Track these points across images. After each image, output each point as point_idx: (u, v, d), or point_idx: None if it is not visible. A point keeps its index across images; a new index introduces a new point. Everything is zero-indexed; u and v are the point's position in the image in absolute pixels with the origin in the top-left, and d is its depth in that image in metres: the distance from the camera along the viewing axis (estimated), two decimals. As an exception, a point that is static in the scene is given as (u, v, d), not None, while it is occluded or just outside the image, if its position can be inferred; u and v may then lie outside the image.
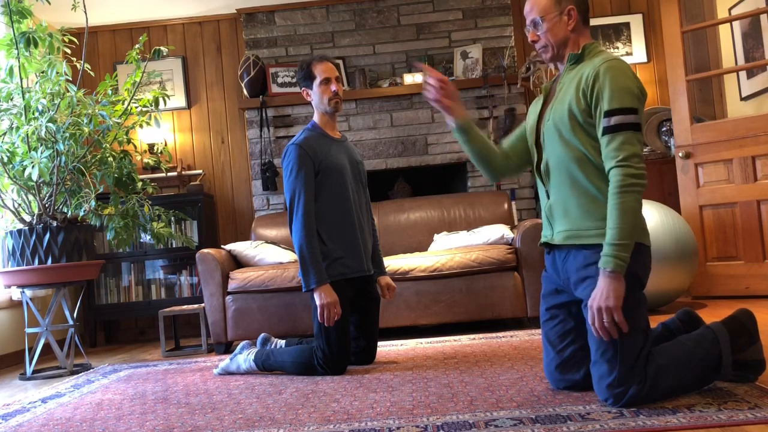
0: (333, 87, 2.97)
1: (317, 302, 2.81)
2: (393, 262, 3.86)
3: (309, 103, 4.93)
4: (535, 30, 2.17)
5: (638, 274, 2.03)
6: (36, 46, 3.61)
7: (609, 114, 1.99)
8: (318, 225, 2.93)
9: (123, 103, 3.83)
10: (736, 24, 4.77)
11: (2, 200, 3.68)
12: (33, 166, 3.41)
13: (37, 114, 3.59)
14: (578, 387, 2.20)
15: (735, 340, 2.08)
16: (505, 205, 4.56)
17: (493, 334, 3.67)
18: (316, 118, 3.06)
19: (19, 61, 3.59)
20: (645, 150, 4.86)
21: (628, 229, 1.93)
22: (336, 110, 3.01)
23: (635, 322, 1.98)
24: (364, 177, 3.15)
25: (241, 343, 3.16)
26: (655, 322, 2.36)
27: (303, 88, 3.04)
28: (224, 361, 3.14)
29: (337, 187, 2.97)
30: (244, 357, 3.06)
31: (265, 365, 3.01)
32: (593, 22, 5.19)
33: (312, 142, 2.95)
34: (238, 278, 3.97)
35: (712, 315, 3.64)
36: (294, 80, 5.00)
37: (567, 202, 2.12)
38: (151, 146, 5.17)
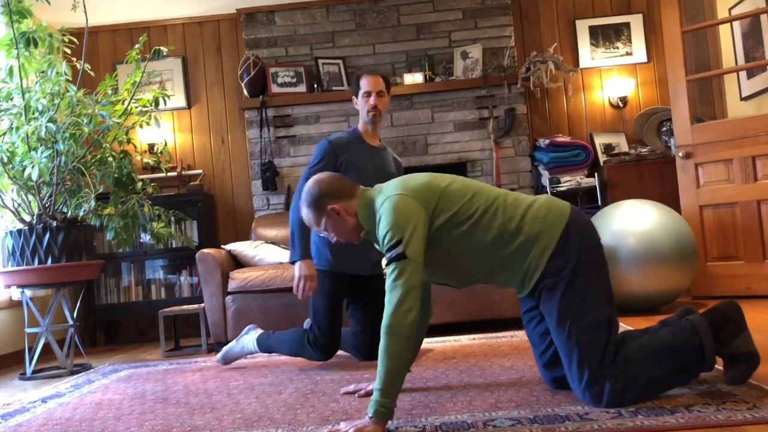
0: (372, 101, 3.13)
1: (295, 274, 2.99)
2: (393, 262, 3.87)
3: (309, 104, 5.00)
4: (330, 237, 2.28)
5: (581, 268, 2.06)
6: (36, 46, 3.61)
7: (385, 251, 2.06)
8: None
9: (123, 103, 3.83)
10: (736, 24, 4.77)
11: (2, 200, 3.68)
12: (33, 166, 3.41)
13: (37, 114, 3.59)
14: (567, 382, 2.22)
15: (719, 330, 2.08)
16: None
17: (493, 334, 3.67)
18: (359, 124, 3.23)
19: (19, 61, 3.60)
20: (645, 150, 4.86)
21: (387, 373, 1.94)
22: (373, 122, 3.17)
23: (591, 319, 2.03)
24: None
25: (248, 326, 3.28)
26: (655, 322, 2.35)
27: (352, 97, 3.23)
28: (229, 344, 3.27)
29: None
30: (251, 338, 3.19)
31: (263, 346, 3.15)
32: (593, 22, 5.20)
33: (344, 141, 3.14)
34: (238, 278, 3.97)
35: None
36: (294, 80, 5.02)
37: (482, 277, 2.24)
38: (151, 146, 5.17)
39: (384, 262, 2.09)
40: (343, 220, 2.22)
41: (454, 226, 2.12)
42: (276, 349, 3.14)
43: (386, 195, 2.14)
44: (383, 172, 3.14)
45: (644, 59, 5.19)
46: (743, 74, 4.78)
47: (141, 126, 3.93)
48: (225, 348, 3.27)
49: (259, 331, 3.21)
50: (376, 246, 2.22)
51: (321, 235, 2.30)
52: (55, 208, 3.69)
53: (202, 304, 4.11)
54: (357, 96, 3.18)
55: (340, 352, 3.27)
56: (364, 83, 3.14)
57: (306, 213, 2.26)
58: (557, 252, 2.09)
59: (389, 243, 2.04)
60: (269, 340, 3.14)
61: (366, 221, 2.22)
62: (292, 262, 3.04)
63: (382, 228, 2.08)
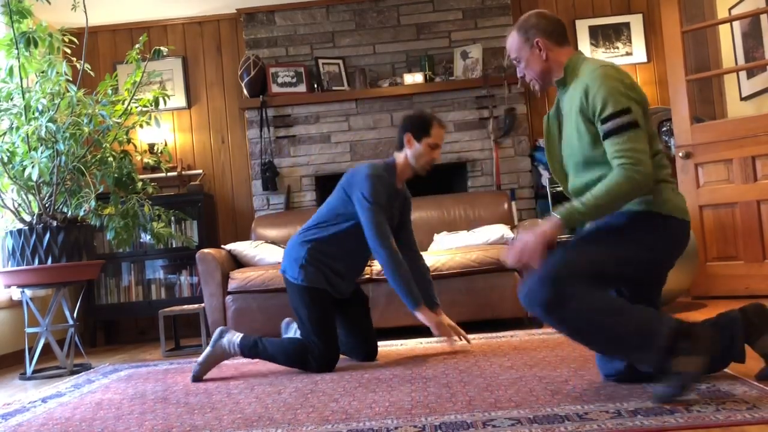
0: (436, 155, 3.05)
1: (424, 321, 2.91)
2: (393, 262, 3.86)
3: (309, 103, 5.00)
4: (518, 67, 2.34)
5: (647, 240, 2.11)
6: (36, 46, 3.61)
7: (605, 120, 2.08)
8: (341, 242, 3.03)
9: (123, 103, 3.84)
10: (736, 24, 4.76)
11: (2, 200, 3.68)
12: (33, 166, 3.42)
13: (37, 114, 3.59)
14: (622, 377, 2.24)
15: (682, 341, 1.98)
16: (505, 205, 4.56)
17: (493, 334, 3.67)
18: (399, 159, 3.08)
19: (19, 61, 3.60)
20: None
21: (603, 201, 2.05)
22: (422, 174, 3.10)
23: (592, 252, 2.09)
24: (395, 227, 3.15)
25: (219, 329, 3.07)
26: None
27: (409, 133, 3.03)
28: (202, 355, 3.03)
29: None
30: (228, 339, 3.00)
31: (251, 352, 3.00)
32: (593, 22, 5.19)
33: (384, 182, 2.99)
34: (238, 278, 3.98)
35: (711, 315, 3.63)
36: (294, 80, 5.01)
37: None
38: (151, 146, 5.17)
39: (610, 125, 2.06)
40: (539, 59, 2.26)
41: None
42: (266, 358, 3.02)
43: (602, 62, 2.17)
44: (391, 217, 3.06)
45: (644, 59, 5.19)
46: (743, 74, 4.78)
47: (141, 126, 3.93)
48: (199, 360, 3.04)
49: (238, 334, 3.04)
50: (564, 102, 2.25)
51: (514, 62, 2.35)
52: (56, 208, 3.69)
53: (202, 304, 4.12)
54: (418, 139, 3.01)
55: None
56: (436, 133, 3.02)
57: (512, 36, 2.33)
58: (651, 219, 2.12)
59: (618, 108, 2.05)
60: (257, 348, 3.00)
61: (560, 81, 2.27)
62: (412, 308, 2.94)
63: (605, 91, 2.07)
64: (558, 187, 4.80)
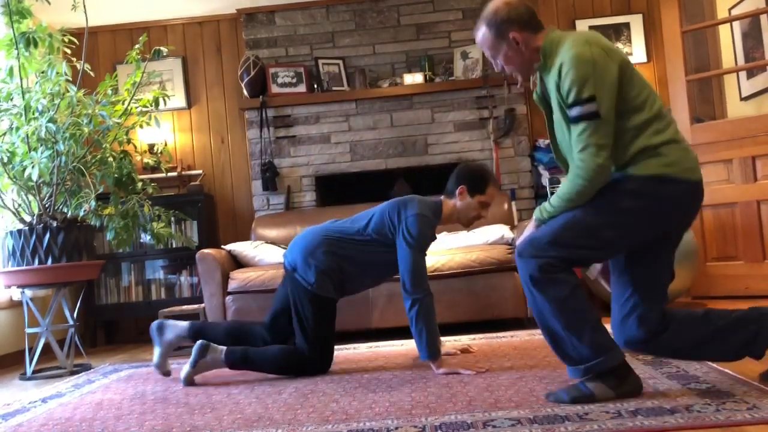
0: (485, 214, 3.01)
1: (439, 371, 2.76)
2: (393, 262, 3.86)
3: (309, 104, 5.00)
4: (495, 62, 2.26)
5: (621, 203, 2.08)
6: (36, 46, 3.61)
7: (570, 106, 2.06)
8: (366, 267, 2.99)
9: (123, 104, 3.83)
10: (736, 24, 4.76)
11: (2, 200, 3.68)
12: (33, 167, 3.42)
13: (37, 114, 3.59)
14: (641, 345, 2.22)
15: (613, 378, 2.08)
16: (505, 205, 4.56)
17: (493, 334, 3.68)
18: (446, 206, 3.00)
19: (19, 61, 3.60)
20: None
21: (565, 198, 2.09)
22: (466, 227, 3.08)
23: (589, 214, 2.08)
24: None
25: (197, 345, 2.93)
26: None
27: (463, 185, 2.95)
28: (186, 370, 2.93)
29: (389, 269, 3.01)
30: (212, 358, 2.91)
31: (236, 364, 2.94)
32: (593, 22, 5.18)
33: (432, 225, 2.92)
34: (239, 278, 3.98)
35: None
36: (294, 81, 5.01)
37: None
38: (151, 146, 5.16)
39: (573, 112, 2.04)
40: (517, 53, 2.17)
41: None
42: (254, 368, 2.96)
43: (576, 39, 2.08)
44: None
45: (644, 59, 5.19)
46: (743, 74, 4.78)
47: (141, 126, 3.93)
48: (185, 375, 2.94)
49: (220, 348, 2.93)
50: (548, 84, 2.16)
51: (491, 58, 2.24)
52: (56, 208, 3.69)
53: (202, 305, 4.12)
54: (472, 194, 2.94)
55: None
56: (491, 193, 2.95)
57: (483, 33, 2.19)
58: (660, 178, 2.06)
59: (582, 96, 2.01)
60: (245, 359, 2.93)
61: (540, 65, 2.18)
62: (425, 359, 2.82)
63: (571, 78, 2.02)
64: (559, 186, 4.80)
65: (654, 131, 2.07)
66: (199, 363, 2.89)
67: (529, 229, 2.21)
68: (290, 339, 3.02)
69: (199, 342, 2.92)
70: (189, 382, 2.94)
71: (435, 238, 3.01)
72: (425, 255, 2.90)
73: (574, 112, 2.03)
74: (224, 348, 2.92)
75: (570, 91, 2.03)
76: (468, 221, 3.01)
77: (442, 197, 3.02)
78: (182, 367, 2.96)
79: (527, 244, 2.13)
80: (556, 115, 2.16)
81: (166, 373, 3.11)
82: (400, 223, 2.87)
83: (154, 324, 3.10)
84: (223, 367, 2.95)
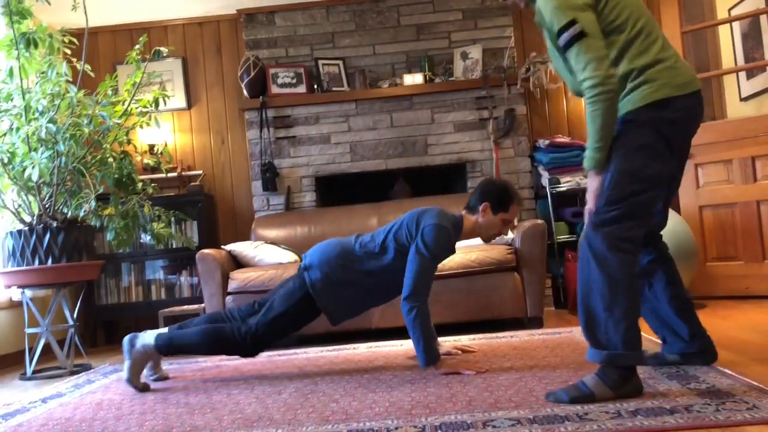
0: (506, 231, 3.01)
1: (440, 371, 2.75)
2: (393, 263, 3.86)
3: (309, 104, 5.00)
4: None
5: (652, 124, 2.14)
6: (36, 46, 3.62)
7: (557, 36, 2.14)
8: (372, 277, 2.96)
9: (123, 104, 3.84)
10: (736, 24, 4.77)
11: (2, 201, 3.68)
12: (33, 167, 3.42)
13: (37, 115, 3.59)
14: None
15: (619, 377, 2.12)
16: (505, 206, 4.55)
17: (493, 334, 3.68)
18: (467, 222, 2.97)
19: (19, 61, 3.60)
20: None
21: (596, 133, 2.11)
22: (486, 242, 3.08)
23: (623, 163, 2.13)
24: None
25: (126, 338, 2.92)
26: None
27: (487, 203, 2.92)
28: (125, 369, 2.91)
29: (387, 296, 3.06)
30: (142, 344, 2.90)
31: (168, 349, 2.91)
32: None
33: (449, 237, 2.91)
34: (239, 279, 3.98)
35: (711, 315, 3.64)
36: (294, 81, 5.01)
37: None
38: (151, 147, 5.17)
39: (562, 40, 2.12)
40: None
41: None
42: (184, 350, 2.93)
43: None
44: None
45: (644, 60, 5.18)
46: (743, 75, 4.78)
47: (141, 126, 3.94)
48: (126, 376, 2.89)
49: (145, 334, 2.92)
50: (537, 15, 2.25)
51: None
52: (56, 208, 3.69)
53: (202, 305, 4.12)
54: (495, 211, 2.92)
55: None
56: (513, 211, 2.96)
57: None
58: (656, 104, 2.13)
59: (564, 21, 2.09)
60: (174, 342, 2.90)
61: None
62: (427, 365, 2.78)
63: (551, 6, 2.12)
64: (559, 187, 4.80)
65: (636, 53, 2.16)
66: (133, 356, 2.85)
67: (591, 184, 2.20)
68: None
69: (125, 338, 2.91)
70: (136, 380, 2.87)
71: (453, 251, 2.99)
72: (436, 266, 2.88)
73: (563, 40, 2.12)
74: (153, 333, 2.91)
75: (552, 23, 2.13)
76: (489, 237, 3.01)
77: (464, 211, 3.00)
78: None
79: (591, 216, 2.17)
80: (549, 44, 2.27)
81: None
82: (417, 232, 2.87)
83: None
84: (158, 355, 2.92)
